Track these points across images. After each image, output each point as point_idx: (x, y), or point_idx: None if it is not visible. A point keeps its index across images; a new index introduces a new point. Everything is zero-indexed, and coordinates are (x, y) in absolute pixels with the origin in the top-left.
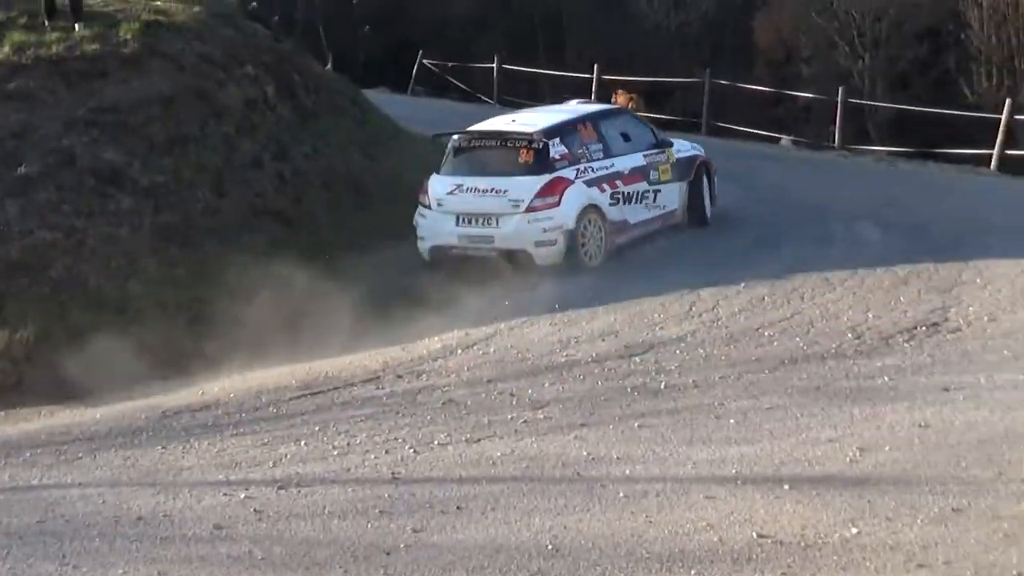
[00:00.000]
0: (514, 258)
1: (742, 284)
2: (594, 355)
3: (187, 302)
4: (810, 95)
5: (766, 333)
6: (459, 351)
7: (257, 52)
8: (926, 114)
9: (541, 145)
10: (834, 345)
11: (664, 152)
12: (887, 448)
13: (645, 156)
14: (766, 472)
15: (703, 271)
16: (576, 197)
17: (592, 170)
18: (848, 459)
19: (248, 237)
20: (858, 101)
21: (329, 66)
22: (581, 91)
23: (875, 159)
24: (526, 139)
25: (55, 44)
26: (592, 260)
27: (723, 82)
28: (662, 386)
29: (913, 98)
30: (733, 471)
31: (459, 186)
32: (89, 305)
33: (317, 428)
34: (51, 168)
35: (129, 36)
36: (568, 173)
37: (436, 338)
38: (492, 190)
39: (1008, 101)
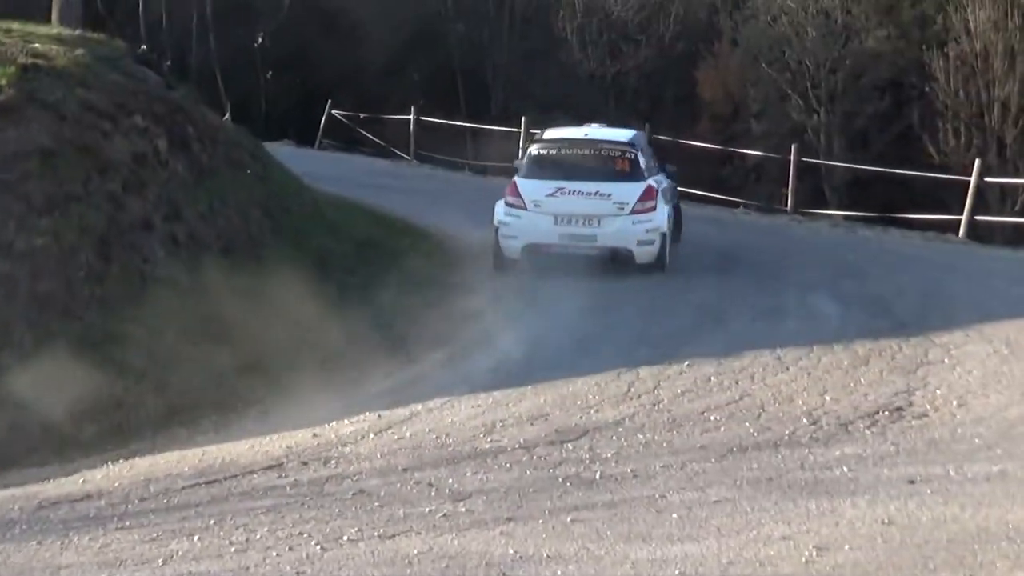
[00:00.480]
0: (616, 256)
1: (686, 362)
2: (522, 441)
3: (68, 379)
4: (760, 153)
5: (712, 418)
6: (372, 435)
7: (147, 101)
8: (887, 175)
9: (634, 155)
10: (788, 432)
11: (665, 176)
12: (847, 547)
13: (665, 177)
14: (712, 573)
15: (643, 347)
16: (663, 204)
17: (657, 182)
18: (804, 559)
19: (136, 307)
20: (813, 160)
21: (227, 116)
22: (508, 145)
23: (832, 224)
24: (621, 148)
25: None
26: (667, 262)
27: (663, 138)
28: (597, 476)
29: (873, 157)
30: (676, 572)
31: (560, 189)
32: None
33: (212, 521)
34: None
35: (3, 82)
36: (653, 182)
37: (346, 420)
38: (596, 193)
39: (977, 161)
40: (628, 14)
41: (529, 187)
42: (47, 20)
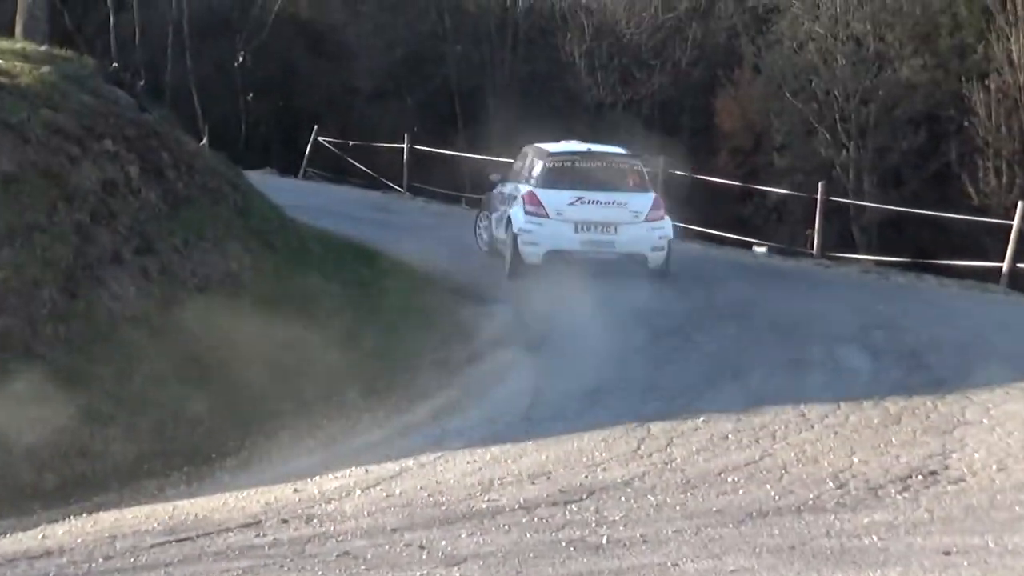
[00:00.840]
0: (632, 260)
1: (701, 418)
2: (522, 501)
3: (28, 425)
4: (783, 191)
5: (730, 479)
6: (358, 492)
7: (118, 123)
8: (922, 217)
9: (640, 168)
10: (812, 495)
11: None
12: None
13: None
14: None
15: (654, 400)
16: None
17: None
18: None
19: (104, 348)
20: (841, 199)
21: (204, 142)
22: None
23: (861, 270)
24: (630, 162)
25: None
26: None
27: (679, 173)
28: (604, 541)
29: (907, 197)
30: None
31: (580, 198)
32: None
33: None
34: None
35: None
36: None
37: (330, 475)
38: (614, 203)
39: (1020, 204)
40: (641, 37)
41: (549, 197)
42: (10, 34)
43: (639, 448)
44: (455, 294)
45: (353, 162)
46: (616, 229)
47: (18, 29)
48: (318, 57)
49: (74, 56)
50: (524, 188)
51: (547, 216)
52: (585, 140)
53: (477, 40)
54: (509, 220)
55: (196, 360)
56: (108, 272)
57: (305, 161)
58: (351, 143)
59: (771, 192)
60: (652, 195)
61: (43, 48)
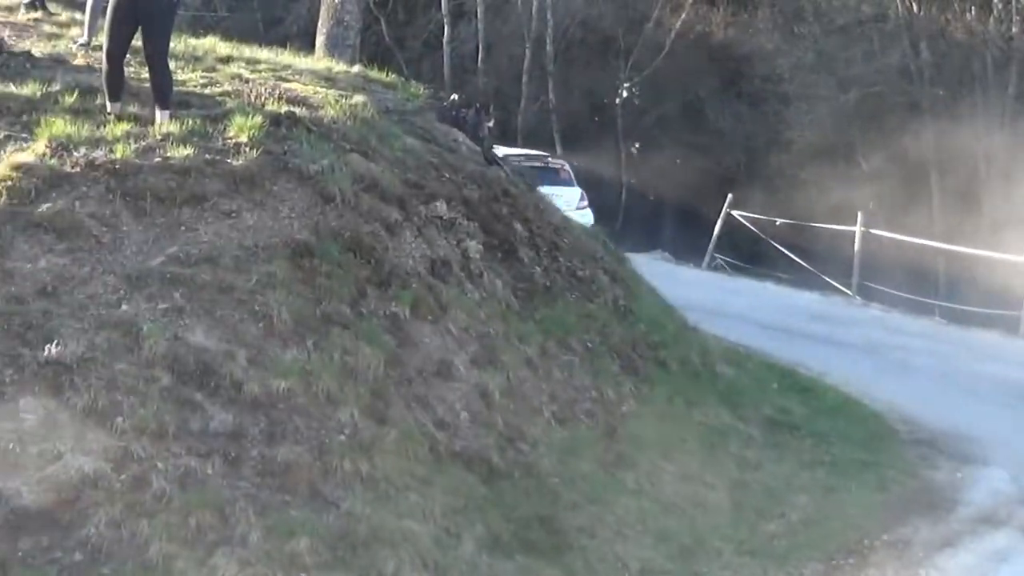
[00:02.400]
0: None
1: None
2: None
3: None
4: None
5: None
6: None
7: (456, 180)
8: None
9: (566, 166)
10: None
11: None
12: None
13: None
14: None
15: None
16: None
17: None
18: None
19: (423, 495)
20: None
21: None
22: (1009, 283)
23: None
24: (560, 163)
25: (119, 144)
26: None
27: None
28: None
29: None
30: None
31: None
32: None
33: None
34: (99, 353)
35: (244, 138)
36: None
37: None
38: (553, 195)
39: None
40: None
41: None
42: (310, 47)
43: None
44: (924, 446)
45: (779, 247)
46: None
47: (319, 41)
48: (734, 96)
49: (397, 82)
50: None
51: None
52: None
53: (966, 81)
54: None
55: (548, 521)
56: (432, 389)
57: (712, 243)
58: (778, 221)
59: None
60: (579, 189)
61: (354, 69)
